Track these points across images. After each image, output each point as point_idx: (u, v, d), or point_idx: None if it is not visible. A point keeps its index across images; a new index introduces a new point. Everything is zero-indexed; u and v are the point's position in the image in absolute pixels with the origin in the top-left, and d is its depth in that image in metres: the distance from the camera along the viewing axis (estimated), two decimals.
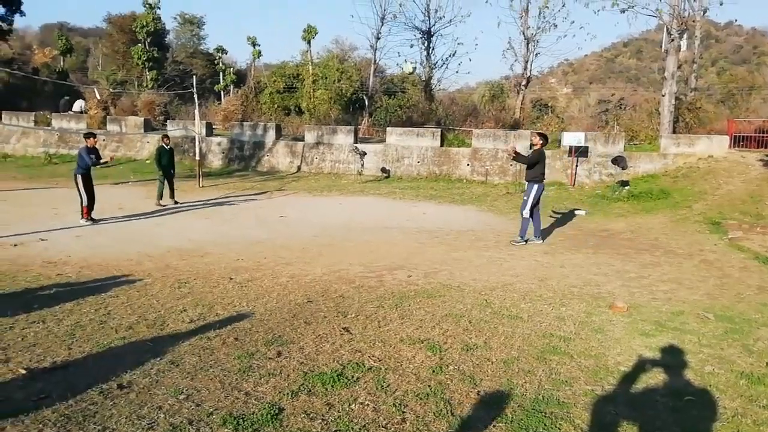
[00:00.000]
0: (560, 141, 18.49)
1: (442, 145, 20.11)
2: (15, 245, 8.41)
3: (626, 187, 16.01)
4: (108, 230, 10.02)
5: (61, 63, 42.76)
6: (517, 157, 9.87)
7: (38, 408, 3.51)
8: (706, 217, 12.39)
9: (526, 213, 9.52)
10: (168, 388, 3.83)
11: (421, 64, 30.12)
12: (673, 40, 19.01)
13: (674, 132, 19.38)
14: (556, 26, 26.98)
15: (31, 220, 10.30)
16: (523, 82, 28.26)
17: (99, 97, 27.56)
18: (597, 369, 4.35)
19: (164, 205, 13.15)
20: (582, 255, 8.92)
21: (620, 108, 33.72)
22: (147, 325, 5.09)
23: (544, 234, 10.17)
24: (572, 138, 17.83)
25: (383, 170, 20.19)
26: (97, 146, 11.37)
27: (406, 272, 7.41)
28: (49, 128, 23.83)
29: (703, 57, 37.67)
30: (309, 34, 34.53)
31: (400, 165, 20.20)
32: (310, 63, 34.52)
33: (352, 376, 4.09)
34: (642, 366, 4.43)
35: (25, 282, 6.43)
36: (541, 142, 9.75)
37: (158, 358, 4.34)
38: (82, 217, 10.51)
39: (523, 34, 27.58)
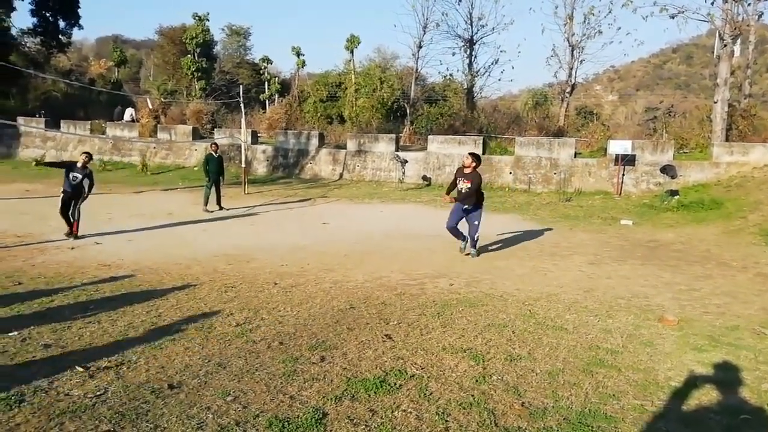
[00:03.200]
0: (606, 149, 18.07)
1: (484, 153, 19.92)
2: (72, 248, 8.80)
3: (676, 197, 15.50)
4: (158, 235, 10.37)
5: (116, 74, 44.59)
6: (462, 199, 8.93)
7: (94, 405, 3.67)
8: (761, 229, 11.86)
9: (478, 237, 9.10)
10: (216, 390, 3.94)
11: (463, 72, 30.06)
12: (725, 45, 18.35)
13: (727, 140, 18.66)
14: (601, 33, 26.51)
15: (86, 224, 10.74)
16: (568, 90, 27.81)
17: (151, 107, 28.57)
18: (646, 383, 4.23)
19: (210, 211, 13.48)
20: (629, 266, 8.68)
21: (669, 115, 32.72)
22: (195, 328, 5.24)
23: (593, 245, 9.95)
24: (619, 146, 17.40)
25: (424, 178, 20.18)
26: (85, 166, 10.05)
27: (448, 280, 7.39)
28: (104, 136, 24.84)
29: (757, 63, 36.14)
30: (352, 43, 34.94)
31: (441, 173, 20.14)
32: (352, 72, 34.90)
33: (395, 383, 4.11)
34: (694, 382, 4.28)
35: (81, 283, 6.72)
36: (474, 164, 8.89)
37: (206, 360, 4.46)
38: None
39: (568, 41, 27.18)
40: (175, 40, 41.73)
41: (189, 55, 38.98)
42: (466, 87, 30.25)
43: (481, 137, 20.90)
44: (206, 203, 13.80)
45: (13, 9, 34.32)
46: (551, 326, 5.53)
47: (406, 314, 5.84)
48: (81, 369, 4.21)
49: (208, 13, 39.77)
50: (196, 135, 24.22)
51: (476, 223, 9.01)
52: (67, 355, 4.47)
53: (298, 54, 41.12)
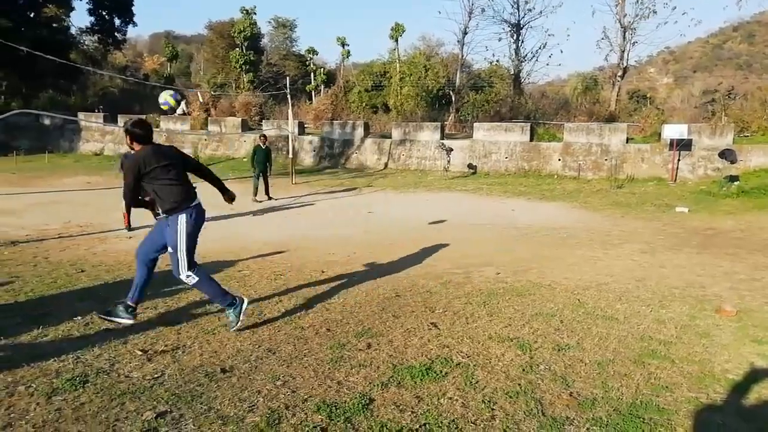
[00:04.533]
0: (660, 134, 17.41)
1: (531, 140, 19.58)
2: (130, 237, 9.20)
3: (735, 183, 14.80)
4: (209, 225, 10.63)
5: (168, 69, 45.99)
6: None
7: (152, 387, 3.85)
8: None
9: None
10: (266, 374, 4.06)
11: (510, 58, 29.48)
12: None
13: None
14: (655, 13, 25.53)
15: (142, 214, 11.17)
16: (619, 73, 26.90)
17: (202, 100, 29.35)
18: (701, 376, 4.09)
19: (259, 201, 13.79)
20: (684, 255, 8.37)
21: (729, 97, 31.17)
22: (246, 314, 5.39)
23: (646, 233, 9.64)
24: (674, 130, 16.72)
25: (470, 166, 19.99)
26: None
27: (495, 269, 7.32)
28: (158, 129, 25.71)
29: None
30: (397, 32, 34.83)
31: (487, 161, 19.91)
32: (397, 61, 34.80)
33: (441, 371, 4.12)
34: (754, 375, 4.11)
35: None
36: (138, 143, 4.81)
37: (257, 346, 4.60)
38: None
39: (620, 22, 26.26)
40: (224, 34, 42.69)
41: (237, 49, 39.79)
42: (512, 73, 29.68)
43: (529, 124, 20.51)
44: (255, 193, 14.12)
45: (72, 9, 35.89)
46: (601, 316, 5.41)
47: (452, 303, 5.83)
48: (140, 352, 4.41)
49: (255, 7, 40.49)
50: (245, 127, 24.75)
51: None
52: (127, 339, 4.69)
53: (343, 44, 41.33)
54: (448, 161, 20.01)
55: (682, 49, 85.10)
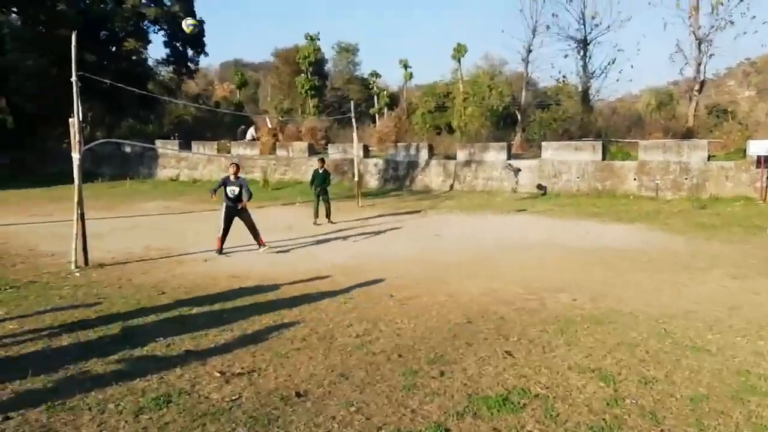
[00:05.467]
0: (746, 150, 16.36)
1: (603, 159, 18.89)
2: (206, 260, 9.54)
3: None
4: (279, 248, 10.90)
5: (237, 95, 48.04)
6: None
7: (231, 408, 3.92)
8: None
9: None
10: (339, 400, 4.04)
11: (577, 74, 28.79)
12: None
13: None
14: (732, 23, 24.17)
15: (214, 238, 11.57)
16: (696, 87, 25.64)
17: (270, 126, 30.37)
18: None
19: (319, 224, 13.96)
20: None
21: None
22: (318, 338, 5.43)
23: (734, 257, 9.00)
24: (761, 146, 15.66)
25: (539, 187, 19.51)
26: (238, 176, 10.44)
27: (570, 295, 7.04)
28: (229, 155, 26.77)
29: None
30: (459, 52, 34.85)
31: (557, 181, 19.37)
32: (460, 81, 34.78)
33: (518, 402, 3.97)
34: None
35: (215, 294, 7.24)
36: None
37: (329, 370, 4.60)
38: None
39: (694, 34, 25.11)
40: (290, 60, 44.19)
41: (302, 75, 41.05)
42: (580, 90, 28.92)
43: (600, 142, 19.84)
44: (316, 216, 14.31)
45: (149, 42, 38.29)
46: (690, 347, 5.06)
47: (527, 330, 5.63)
48: (218, 374, 4.52)
49: (319, 33, 41.69)
50: (312, 151, 25.35)
51: None
52: (205, 361, 4.82)
53: (406, 66, 41.79)
54: (516, 182, 19.63)
55: (764, 59, 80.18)
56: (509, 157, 20.87)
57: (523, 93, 30.87)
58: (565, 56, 29.64)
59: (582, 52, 28.22)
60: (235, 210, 10.35)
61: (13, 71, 32.25)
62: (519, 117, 29.90)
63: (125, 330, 5.67)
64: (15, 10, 35.41)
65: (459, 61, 35.30)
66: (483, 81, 33.13)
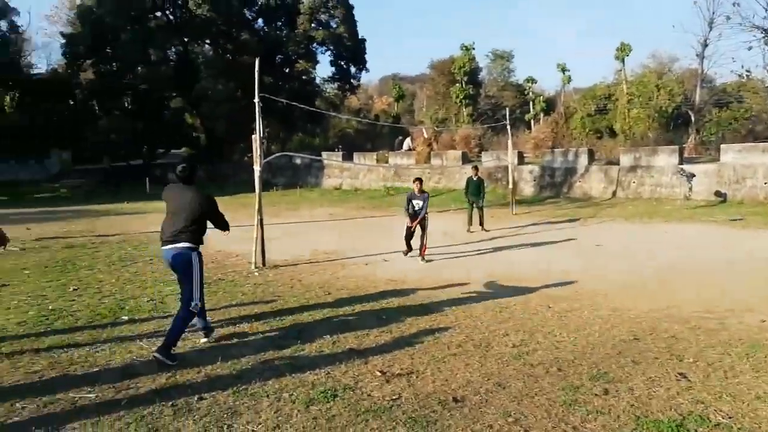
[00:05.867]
0: None
1: None
2: (366, 264, 10.09)
3: None
4: (434, 254, 11.12)
5: (395, 108, 49.85)
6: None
7: (391, 407, 4.13)
8: None
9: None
10: (497, 409, 4.06)
11: (764, 67, 25.30)
12: None
13: None
14: None
15: (376, 243, 12.17)
16: None
17: (426, 136, 31.10)
18: None
19: (472, 232, 13.93)
20: None
21: None
22: (474, 345, 5.48)
23: None
24: None
25: (717, 194, 17.48)
26: (423, 191, 10.72)
27: (758, 316, 6.24)
28: (387, 165, 27.92)
29: None
30: (623, 52, 32.55)
31: (740, 187, 17.19)
32: (623, 81, 32.43)
33: (696, 430, 3.65)
34: None
35: (374, 295, 7.64)
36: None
37: (486, 378, 4.63)
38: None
39: None
40: (444, 71, 44.81)
41: (457, 84, 41.36)
42: (767, 85, 25.35)
43: None
44: (470, 224, 14.32)
45: (317, 62, 41.52)
46: None
47: (704, 352, 5.13)
48: (379, 373, 4.78)
49: (474, 42, 41.73)
50: (465, 159, 25.44)
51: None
52: (367, 359, 5.13)
53: (563, 70, 40.01)
54: (690, 188, 17.79)
55: None
56: (681, 161, 19.02)
57: (698, 91, 27.90)
58: (749, 48, 26.10)
59: None
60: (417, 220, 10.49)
61: (204, 97, 37.06)
62: (692, 117, 27.06)
63: (296, 326, 6.24)
64: (208, 41, 40.70)
65: (623, 61, 32.96)
66: (650, 80, 30.52)
